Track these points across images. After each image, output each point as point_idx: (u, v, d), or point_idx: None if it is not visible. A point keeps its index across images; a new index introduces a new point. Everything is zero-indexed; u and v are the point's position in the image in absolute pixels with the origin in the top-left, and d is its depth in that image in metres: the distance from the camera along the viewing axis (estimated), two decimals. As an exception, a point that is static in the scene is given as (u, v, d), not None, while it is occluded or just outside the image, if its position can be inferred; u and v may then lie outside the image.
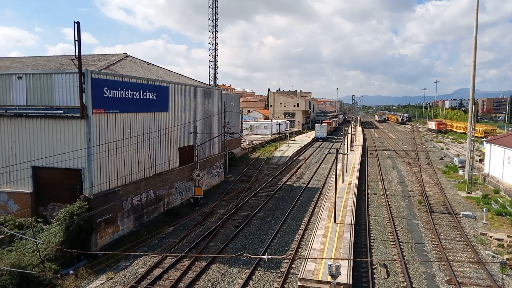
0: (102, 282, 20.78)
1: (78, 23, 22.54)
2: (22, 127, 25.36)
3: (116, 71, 27.82)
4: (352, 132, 79.11)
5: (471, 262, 23.42)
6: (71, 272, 20.07)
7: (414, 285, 20.62)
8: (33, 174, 25.55)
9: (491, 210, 33.26)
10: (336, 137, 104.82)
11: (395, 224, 30.33)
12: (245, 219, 31.32)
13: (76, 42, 22.85)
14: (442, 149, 78.84)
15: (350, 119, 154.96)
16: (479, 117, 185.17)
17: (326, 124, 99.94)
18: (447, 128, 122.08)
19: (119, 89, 26.32)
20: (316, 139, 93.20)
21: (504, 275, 21.08)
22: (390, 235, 28.06)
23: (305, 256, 22.50)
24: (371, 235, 28.19)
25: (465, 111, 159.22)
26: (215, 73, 55.94)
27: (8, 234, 22.28)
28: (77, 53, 22.83)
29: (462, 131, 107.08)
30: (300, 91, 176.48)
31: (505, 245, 25.74)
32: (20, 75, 24.96)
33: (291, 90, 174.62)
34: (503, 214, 32.60)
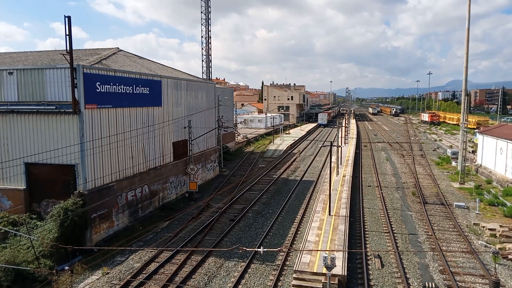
0: (98, 277, 20.77)
1: (69, 18, 22.27)
2: (14, 123, 25.12)
3: (108, 65, 27.57)
4: (346, 125, 79.36)
5: (464, 252, 23.70)
6: (66, 268, 20.04)
7: (408, 275, 20.85)
8: (26, 171, 25.37)
9: (483, 201, 33.63)
10: (333, 125, 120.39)
11: (389, 216, 30.57)
12: (240, 213, 31.39)
13: (67, 37, 22.57)
14: (435, 140, 79.40)
15: (344, 111, 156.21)
16: (471, 108, 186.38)
17: (326, 113, 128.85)
18: (440, 120, 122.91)
19: (111, 83, 26.12)
20: (319, 125, 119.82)
21: (496, 264, 21.36)
22: (384, 227, 28.29)
23: (300, 249, 22.64)
24: (366, 226, 28.40)
25: (458, 103, 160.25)
26: (208, 66, 55.65)
27: (2, 231, 22.15)
28: (68, 48, 22.56)
29: (455, 123, 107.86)
30: (294, 84, 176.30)
31: (497, 235, 26.05)
32: (11, 71, 24.66)
33: (285, 84, 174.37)
34: (496, 204, 32.96)
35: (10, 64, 28.05)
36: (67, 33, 22.56)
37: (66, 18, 22.19)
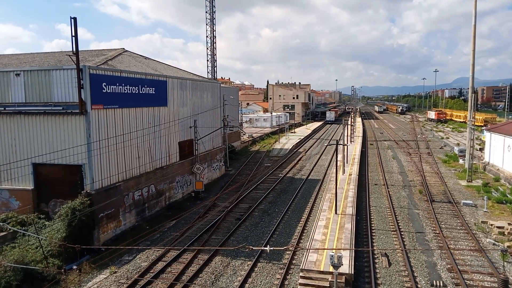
0: (106, 276, 20.91)
1: (75, 19, 22.39)
2: (21, 124, 25.34)
3: (114, 66, 27.71)
4: (352, 123, 79.07)
5: (472, 250, 23.54)
6: (74, 267, 20.19)
7: (415, 274, 20.75)
8: (34, 171, 25.58)
9: (491, 198, 33.36)
10: (340, 122, 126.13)
11: (396, 214, 30.43)
12: (247, 212, 31.42)
13: (73, 38, 22.72)
14: (442, 138, 78.84)
15: (350, 110, 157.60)
16: (478, 105, 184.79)
17: (334, 111, 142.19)
18: (447, 118, 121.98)
19: (117, 84, 26.25)
20: (326, 122, 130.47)
21: (505, 263, 21.20)
22: (391, 225, 28.17)
23: (307, 247, 22.60)
24: (372, 225, 28.29)
25: (465, 100, 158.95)
26: (214, 66, 55.68)
27: (11, 231, 22.38)
28: (74, 49, 22.71)
29: (462, 120, 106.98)
30: (299, 83, 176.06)
31: (505, 233, 25.84)
32: (18, 72, 24.87)
33: (290, 82, 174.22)
34: (504, 202, 32.69)
35: (17, 65, 28.30)
36: (73, 34, 22.70)
37: (72, 20, 22.33)
